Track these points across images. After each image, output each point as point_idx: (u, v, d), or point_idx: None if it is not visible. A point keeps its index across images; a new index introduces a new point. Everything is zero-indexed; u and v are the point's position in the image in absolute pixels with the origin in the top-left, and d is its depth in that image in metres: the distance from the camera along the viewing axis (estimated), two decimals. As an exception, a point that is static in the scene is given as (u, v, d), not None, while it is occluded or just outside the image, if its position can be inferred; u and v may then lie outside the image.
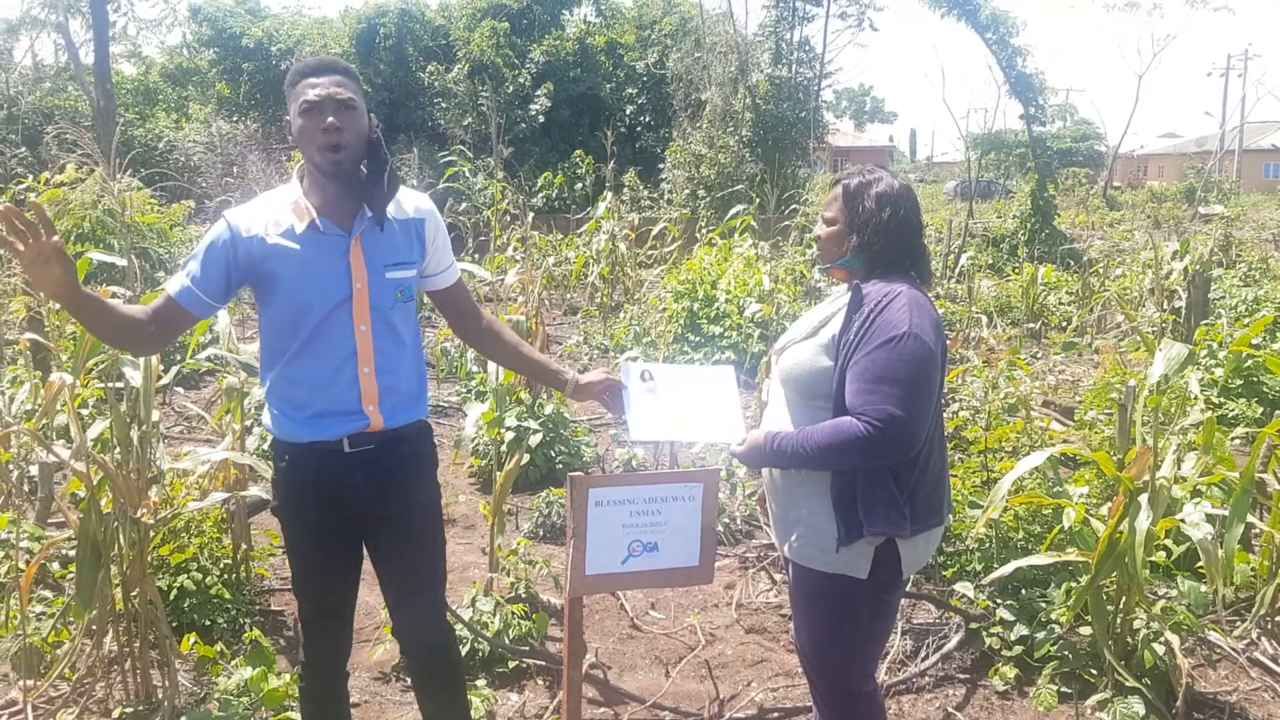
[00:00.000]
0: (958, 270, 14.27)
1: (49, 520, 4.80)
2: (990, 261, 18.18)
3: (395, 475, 2.70)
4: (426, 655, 2.88)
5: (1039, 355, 10.15)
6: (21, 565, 4.19)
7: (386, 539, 2.76)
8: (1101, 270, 13.92)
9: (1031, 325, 11.93)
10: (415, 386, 2.73)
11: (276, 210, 2.56)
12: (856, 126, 76.46)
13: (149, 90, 25.89)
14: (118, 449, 3.38)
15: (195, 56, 28.92)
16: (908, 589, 4.50)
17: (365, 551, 2.81)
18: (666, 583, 3.04)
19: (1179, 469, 4.00)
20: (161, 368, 3.66)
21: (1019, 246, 18.95)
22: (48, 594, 4.29)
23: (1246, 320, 9.39)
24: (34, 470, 4.88)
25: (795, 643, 2.89)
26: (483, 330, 2.96)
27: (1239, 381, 7.36)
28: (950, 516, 2.85)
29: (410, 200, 2.73)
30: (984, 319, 9.58)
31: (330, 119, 2.46)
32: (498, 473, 4.38)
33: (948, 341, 2.80)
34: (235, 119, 27.94)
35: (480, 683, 3.69)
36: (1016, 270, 15.33)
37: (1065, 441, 5.11)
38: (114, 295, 3.38)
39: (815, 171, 33.06)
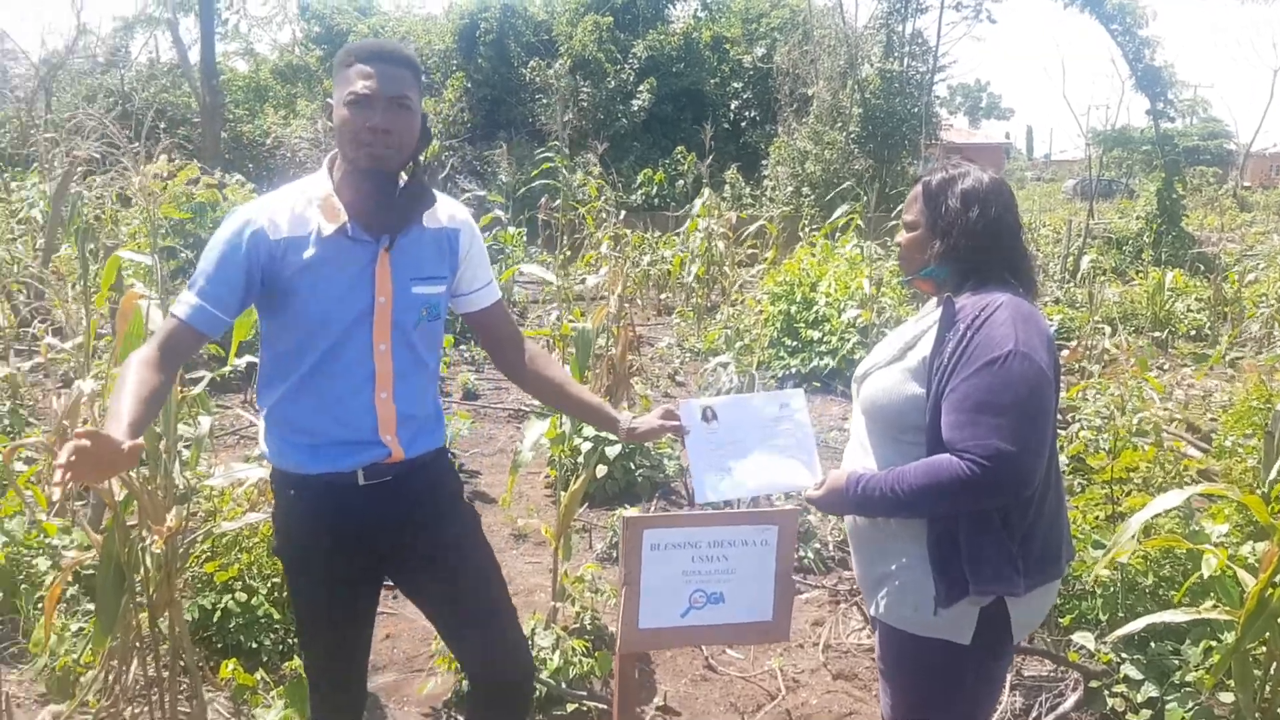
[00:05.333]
0: (1078, 274, 13.46)
1: (101, 529, 4.62)
2: (1113, 265, 17.21)
3: (417, 511, 2.36)
4: (502, 694, 2.50)
5: (1166, 367, 9.41)
6: (62, 587, 4.01)
7: (425, 582, 2.45)
8: (1237, 276, 12.96)
9: (1157, 334, 11.14)
10: (434, 411, 2.40)
11: (302, 207, 2.23)
12: (971, 123, 74.62)
13: (259, 87, 26.37)
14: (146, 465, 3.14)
15: (305, 54, 29.39)
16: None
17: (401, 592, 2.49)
18: (734, 639, 2.68)
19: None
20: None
21: (1144, 249, 17.90)
22: (91, 606, 4.09)
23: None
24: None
25: (881, 710, 2.48)
26: (524, 362, 2.58)
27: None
28: (1069, 566, 2.41)
29: (445, 208, 2.39)
30: (1106, 328, 8.90)
31: (379, 120, 2.12)
32: (562, 493, 4.04)
33: (1061, 355, 2.33)
34: (341, 115, 28.28)
35: (529, 731, 3.34)
36: (1141, 274, 14.41)
37: (1205, 477, 4.53)
38: (143, 298, 3.11)
39: (933, 169, 32.00)
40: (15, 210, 11.02)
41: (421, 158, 2.29)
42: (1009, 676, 3.80)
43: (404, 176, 2.26)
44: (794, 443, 2.51)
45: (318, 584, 2.38)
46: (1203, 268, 15.87)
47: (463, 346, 9.98)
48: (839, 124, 22.11)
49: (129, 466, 1.94)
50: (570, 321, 4.45)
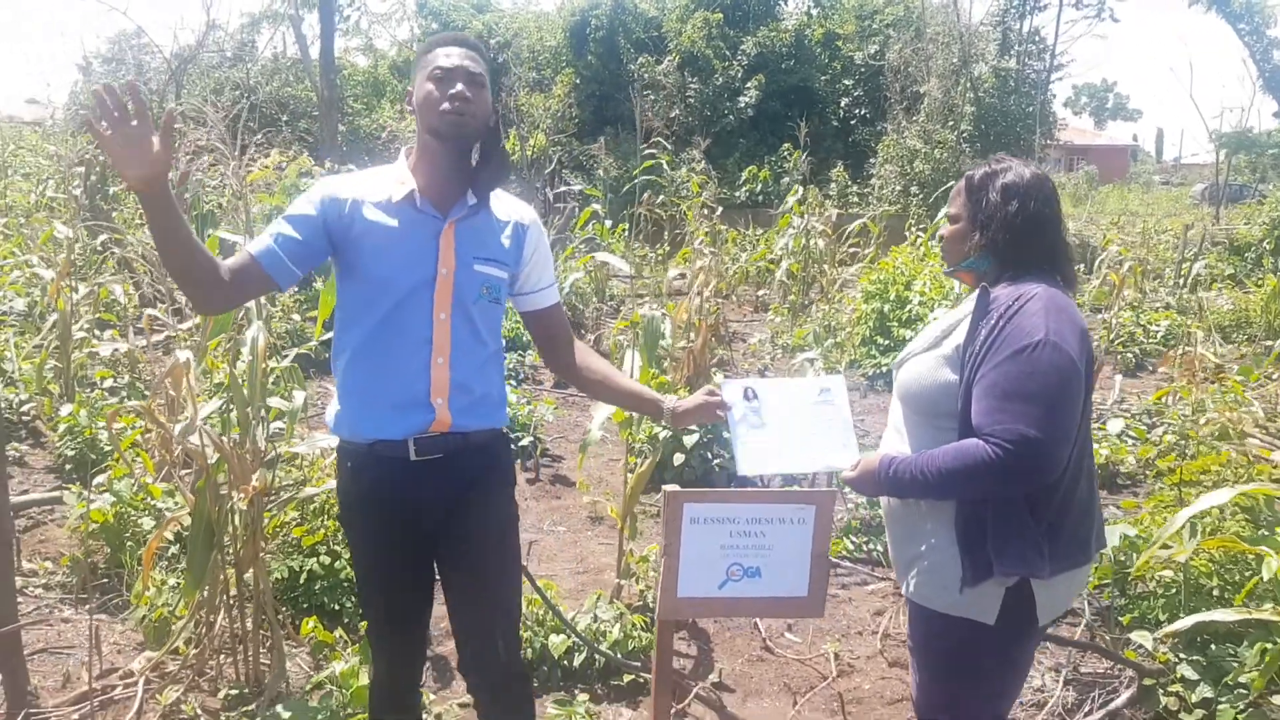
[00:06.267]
0: (1190, 280, 13.04)
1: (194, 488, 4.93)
2: (1231, 272, 16.58)
3: (468, 492, 2.48)
4: (489, 695, 2.59)
5: (1275, 377, 9.09)
6: (169, 536, 4.32)
7: (452, 563, 2.53)
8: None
9: (1270, 343, 10.74)
10: (495, 393, 2.52)
11: (377, 181, 2.43)
12: (1096, 124, 72.30)
13: (377, 82, 27.14)
14: (240, 430, 3.38)
15: (422, 50, 30.14)
16: (1077, 638, 4.04)
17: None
18: (769, 612, 2.77)
19: None
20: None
21: (1263, 256, 17.19)
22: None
23: None
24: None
25: (911, 688, 2.55)
26: (575, 362, 2.72)
27: None
28: (1100, 555, 2.44)
29: (518, 208, 2.58)
30: (1198, 333, 8.66)
31: (460, 86, 2.32)
32: (629, 475, 4.18)
33: (1094, 348, 2.37)
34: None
35: (582, 698, 3.48)
36: (1259, 283, 13.89)
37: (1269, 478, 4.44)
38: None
39: (1045, 170, 31.18)
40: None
41: (504, 142, 2.46)
42: (1065, 671, 3.81)
43: (475, 157, 2.42)
44: (832, 425, 2.59)
45: (371, 555, 2.54)
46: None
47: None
48: (950, 123, 21.81)
49: (151, 163, 2.03)
50: (641, 310, 4.57)
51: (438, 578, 2.60)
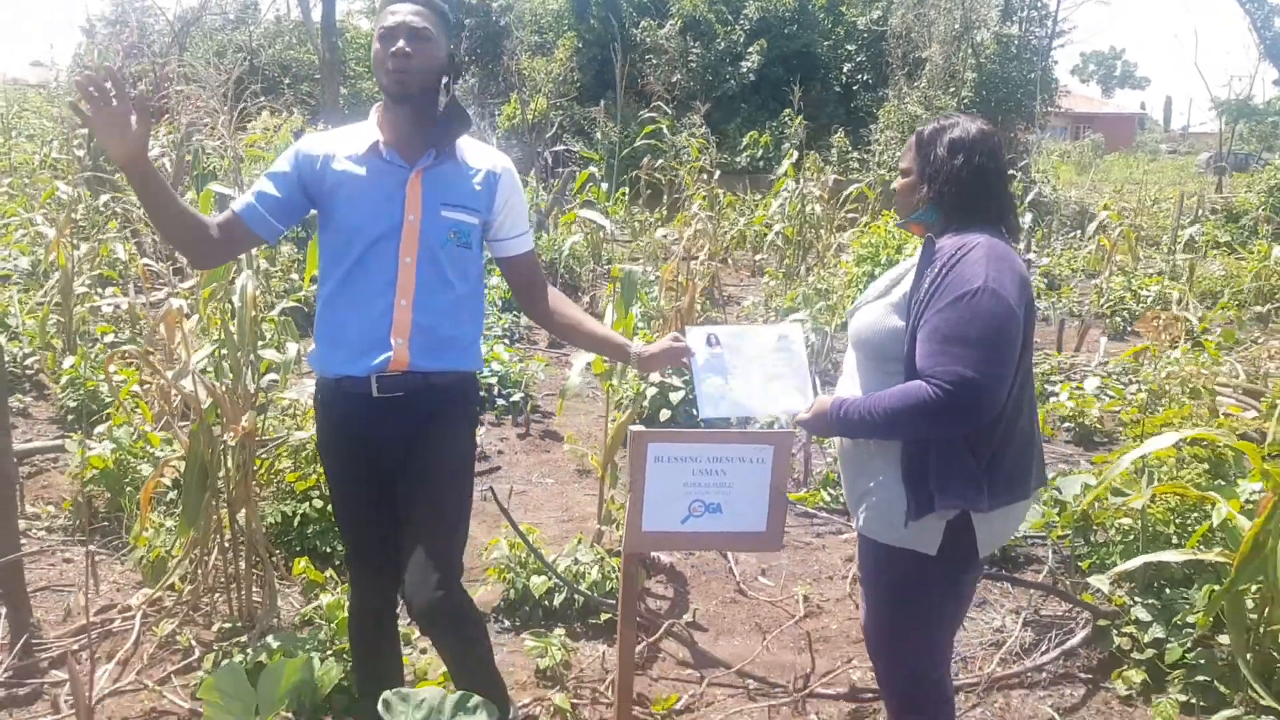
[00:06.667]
0: (1180, 245, 13.14)
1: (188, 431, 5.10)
2: (1228, 239, 16.65)
3: (426, 427, 2.60)
4: (425, 619, 2.57)
5: (1261, 341, 9.22)
6: (166, 481, 4.48)
7: (406, 493, 2.63)
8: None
9: (1260, 309, 10.85)
10: (465, 336, 2.65)
11: (348, 137, 2.59)
12: (1104, 92, 71.93)
13: (380, 46, 27.07)
14: (230, 375, 3.53)
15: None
16: (1042, 579, 4.20)
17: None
18: (729, 546, 2.91)
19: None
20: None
21: (1259, 224, 17.25)
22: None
23: None
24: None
25: (862, 617, 2.71)
26: (548, 306, 2.84)
27: None
28: (1041, 491, 2.58)
29: (491, 155, 2.71)
30: (1174, 295, 8.77)
31: (400, 43, 2.44)
32: (610, 423, 4.33)
33: (1034, 296, 2.50)
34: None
35: (558, 632, 3.66)
36: (1252, 250, 13.98)
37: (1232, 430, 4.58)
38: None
39: (1045, 137, 31.20)
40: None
41: (457, 90, 2.59)
42: (1025, 613, 3.98)
43: (442, 102, 2.55)
44: (790, 370, 2.74)
45: (339, 489, 2.73)
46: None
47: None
48: (951, 89, 21.76)
49: (131, 140, 2.24)
50: (621, 266, 4.71)
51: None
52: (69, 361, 5.95)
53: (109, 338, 6.61)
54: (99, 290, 7.38)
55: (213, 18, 25.01)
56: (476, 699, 2.05)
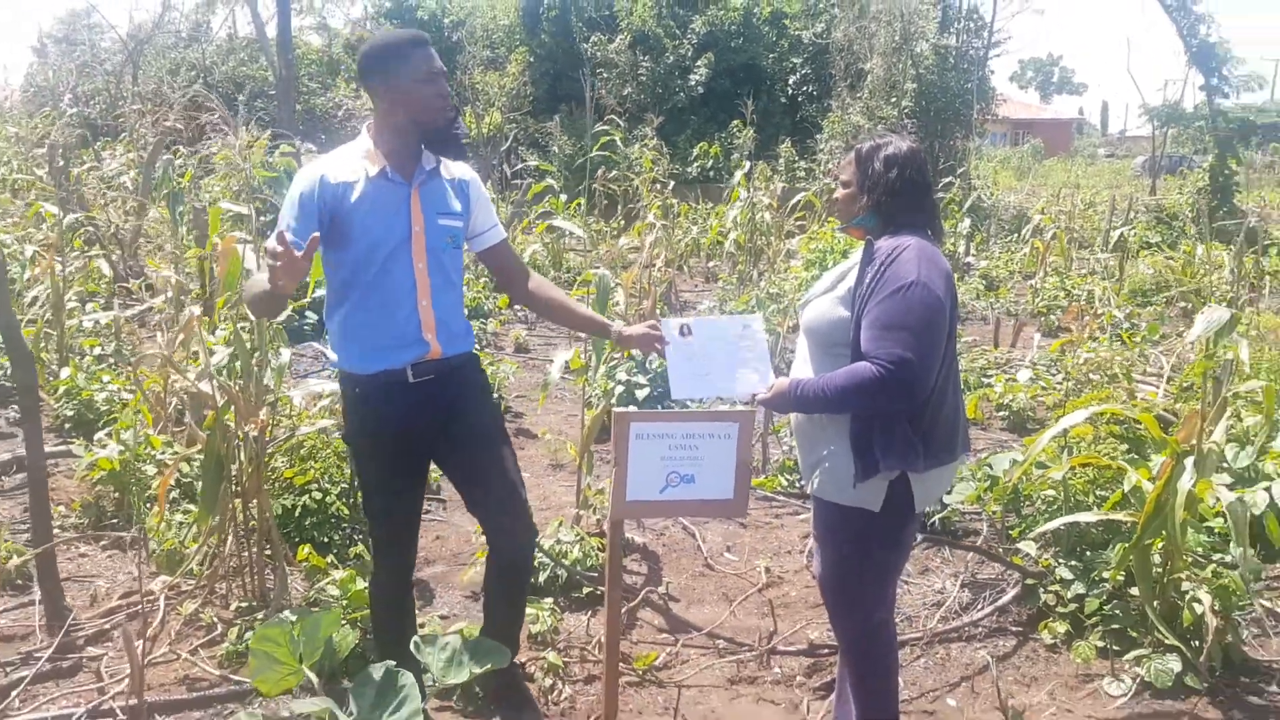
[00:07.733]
0: (1110, 245, 13.80)
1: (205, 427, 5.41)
2: (1159, 240, 17.42)
3: (458, 404, 3.06)
4: (521, 568, 3.22)
5: (1182, 334, 9.82)
6: (170, 481, 4.80)
7: (465, 464, 3.11)
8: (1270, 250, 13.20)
9: (1185, 305, 11.49)
10: (465, 323, 3.12)
11: (353, 160, 2.95)
12: (1042, 98, 73.41)
13: (332, 61, 27.31)
14: (242, 377, 3.88)
15: (376, 28, 30.34)
16: (978, 545, 4.66)
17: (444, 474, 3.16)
18: (701, 512, 3.27)
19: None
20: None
21: (1187, 225, 18.05)
22: (191, 506, 4.87)
23: None
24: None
25: (816, 571, 3.12)
26: (531, 288, 3.28)
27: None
28: (965, 456, 3.02)
29: (457, 167, 3.14)
30: (1095, 291, 9.35)
31: (444, 88, 2.91)
32: (586, 416, 4.72)
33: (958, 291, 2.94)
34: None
35: (548, 601, 4.05)
36: (1175, 249, 14.71)
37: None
38: (239, 241, 3.86)
39: (984, 143, 32.05)
40: (106, 177, 11.90)
41: (467, 123, 3.04)
42: (963, 576, 4.43)
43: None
44: (752, 356, 3.15)
45: (379, 464, 3.08)
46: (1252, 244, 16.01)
47: (516, 306, 10.72)
48: (893, 99, 22.41)
49: (304, 267, 2.50)
50: (594, 271, 5.11)
51: (442, 496, 3.18)
52: (65, 373, 6.24)
53: (96, 350, 6.89)
54: (82, 306, 7.65)
55: (165, 36, 25.07)
56: (490, 642, 2.48)
